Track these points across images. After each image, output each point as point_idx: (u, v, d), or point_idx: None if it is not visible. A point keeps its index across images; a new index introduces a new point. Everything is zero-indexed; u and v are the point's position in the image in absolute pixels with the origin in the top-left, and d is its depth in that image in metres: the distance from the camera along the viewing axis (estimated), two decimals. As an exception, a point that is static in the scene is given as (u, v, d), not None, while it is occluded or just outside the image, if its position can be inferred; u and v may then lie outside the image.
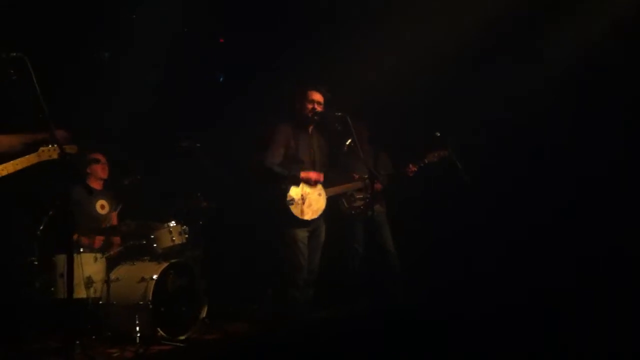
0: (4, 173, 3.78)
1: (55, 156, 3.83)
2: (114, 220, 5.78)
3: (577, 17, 5.91)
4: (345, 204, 5.71)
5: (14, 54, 3.44)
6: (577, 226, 5.77)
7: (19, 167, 3.84)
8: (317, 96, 5.18)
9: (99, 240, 5.49)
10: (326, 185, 5.30)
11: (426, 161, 5.74)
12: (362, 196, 5.68)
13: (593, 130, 5.85)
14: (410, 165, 5.75)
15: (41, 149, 3.88)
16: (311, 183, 5.13)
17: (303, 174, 5.08)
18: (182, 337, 5.11)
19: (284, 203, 4.98)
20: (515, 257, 5.80)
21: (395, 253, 5.80)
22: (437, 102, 6.28)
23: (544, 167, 6.14)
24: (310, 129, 5.29)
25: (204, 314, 5.38)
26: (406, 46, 6.24)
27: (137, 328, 4.89)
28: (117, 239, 5.67)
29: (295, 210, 5.00)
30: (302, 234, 5.10)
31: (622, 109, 5.82)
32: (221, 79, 6.93)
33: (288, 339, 4.33)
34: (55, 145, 3.81)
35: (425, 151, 5.77)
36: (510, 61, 6.08)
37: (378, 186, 5.46)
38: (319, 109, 5.16)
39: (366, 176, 5.28)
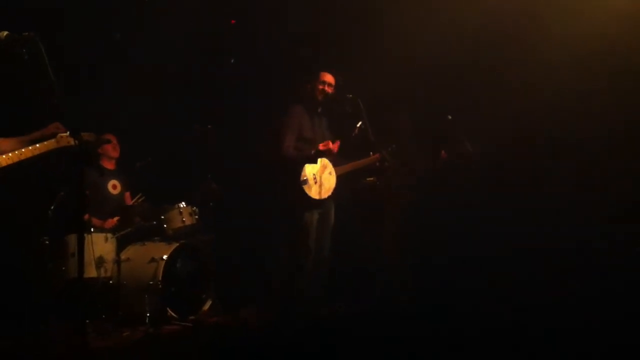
0: (23, 158, 3.78)
1: (73, 143, 3.81)
2: (127, 200, 5.82)
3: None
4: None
5: (26, 34, 3.39)
6: (577, 226, 5.71)
7: (37, 152, 3.83)
8: (329, 77, 5.17)
9: (110, 222, 5.53)
10: (336, 165, 5.23)
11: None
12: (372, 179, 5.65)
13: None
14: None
15: (59, 135, 3.88)
16: (330, 154, 5.00)
17: (321, 145, 4.95)
18: (192, 318, 5.16)
19: (297, 184, 4.93)
20: (515, 257, 5.75)
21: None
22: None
23: (546, 167, 6.07)
24: (319, 110, 5.24)
25: (214, 295, 5.42)
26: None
27: (147, 308, 4.94)
28: (136, 219, 5.58)
29: (309, 190, 4.96)
30: (315, 217, 5.07)
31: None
32: (232, 61, 6.89)
33: (289, 338, 4.31)
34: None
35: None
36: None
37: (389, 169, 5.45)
38: (329, 90, 5.15)
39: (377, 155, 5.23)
